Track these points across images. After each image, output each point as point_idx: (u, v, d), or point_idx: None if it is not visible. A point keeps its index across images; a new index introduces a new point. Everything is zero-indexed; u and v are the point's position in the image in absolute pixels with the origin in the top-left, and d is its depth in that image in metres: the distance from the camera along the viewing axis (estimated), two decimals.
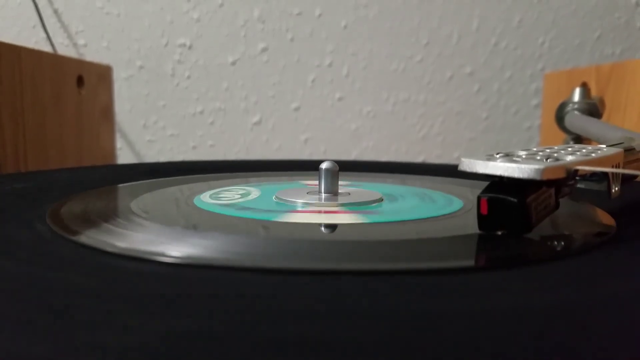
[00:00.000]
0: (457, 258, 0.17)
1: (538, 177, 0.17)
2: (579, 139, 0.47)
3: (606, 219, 0.22)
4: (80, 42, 0.72)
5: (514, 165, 0.17)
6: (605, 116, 0.50)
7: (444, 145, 0.75)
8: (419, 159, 0.75)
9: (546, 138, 0.64)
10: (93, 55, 0.71)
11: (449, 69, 0.73)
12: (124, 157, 0.73)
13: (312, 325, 0.11)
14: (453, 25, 0.73)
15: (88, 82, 0.55)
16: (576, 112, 0.46)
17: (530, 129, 0.75)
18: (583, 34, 0.73)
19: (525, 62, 0.74)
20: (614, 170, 0.19)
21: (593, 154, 0.20)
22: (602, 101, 0.50)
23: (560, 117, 0.48)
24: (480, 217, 0.18)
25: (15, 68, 0.43)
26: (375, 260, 0.17)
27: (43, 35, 0.70)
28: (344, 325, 0.11)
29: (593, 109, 0.47)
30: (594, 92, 0.52)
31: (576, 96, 0.48)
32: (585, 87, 0.49)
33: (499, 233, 0.18)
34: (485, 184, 0.18)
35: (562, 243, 0.19)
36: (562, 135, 0.50)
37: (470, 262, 0.17)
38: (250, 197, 0.27)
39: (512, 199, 0.17)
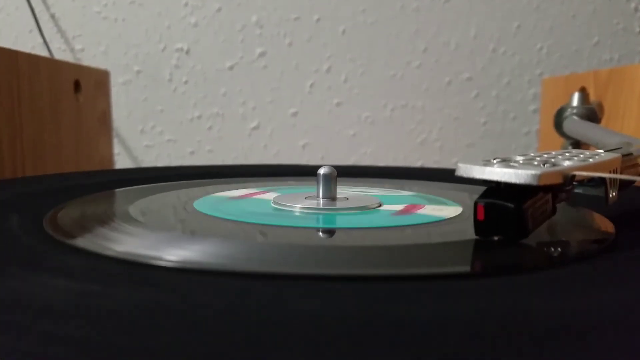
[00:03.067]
0: (453, 264, 0.17)
1: (535, 183, 0.16)
2: (577, 144, 0.47)
3: (606, 224, 0.22)
4: (78, 47, 0.72)
5: (510, 170, 0.17)
6: (603, 121, 0.50)
7: (442, 151, 0.75)
8: (417, 164, 0.75)
9: (544, 143, 0.64)
10: (90, 60, 0.71)
11: (447, 75, 0.73)
12: (121, 162, 0.73)
13: (308, 330, 0.11)
14: (451, 32, 0.73)
15: (85, 87, 0.55)
16: (575, 117, 0.46)
17: (528, 134, 0.75)
18: (581, 40, 0.74)
19: (523, 68, 0.74)
20: (612, 175, 0.19)
21: (590, 160, 0.20)
22: (600, 106, 0.50)
23: (558, 122, 0.48)
24: (477, 223, 0.18)
25: (12, 73, 0.43)
26: (372, 265, 0.16)
27: (40, 40, 0.70)
28: (340, 331, 0.11)
29: (591, 114, 0.47)
30: (592, 98, 0.52)
31: (575, 101, 0.48)
32: (583, 92, 0.49)
33: (496, 239, 0.18)
34: (483, 188, 0.18)
35: (560, 249, 0.19)
36: (561, 141, 0.50)
37: (466, 269, 0.17)
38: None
39: (508, 205, 0.17)
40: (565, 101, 0.49)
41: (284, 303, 0.13)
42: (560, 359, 0.10)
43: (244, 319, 0.12)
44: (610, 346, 0.11)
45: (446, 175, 0.40)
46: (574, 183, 0.19)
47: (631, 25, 0.74)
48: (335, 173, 0.26)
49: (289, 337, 0.11)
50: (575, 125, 0.44)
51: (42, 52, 0.70)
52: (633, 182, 0.23)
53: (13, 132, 0.43)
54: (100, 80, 0.59)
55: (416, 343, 0.11)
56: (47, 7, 0.71)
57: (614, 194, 0.20)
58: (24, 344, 0.10)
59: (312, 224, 0.22)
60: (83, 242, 0.18)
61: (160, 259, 0.16)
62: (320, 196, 0.26)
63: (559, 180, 0.17)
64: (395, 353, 0.10)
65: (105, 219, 0.22)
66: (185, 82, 0.73)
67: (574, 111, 0.47)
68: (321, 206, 0.25)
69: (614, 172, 0.21)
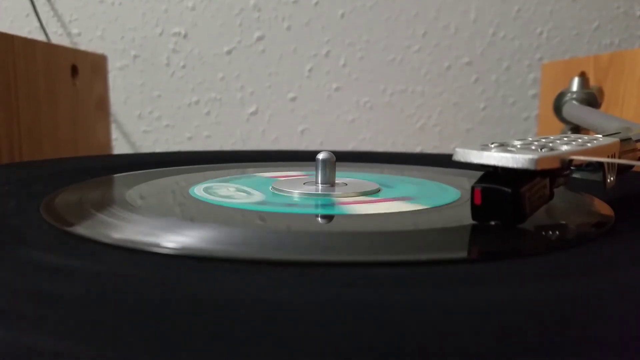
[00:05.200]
0: (450, 249, 0.17)
1: (532, 167, 0.16)
2: (577, 129, 0.47)
3: (605, 209, 0.22)
4: (74, 31, 0.71)
5: (508, 155, 0.17)
6: (603, 106, 0.49)
7: (442, 137, 0.75)
8: (416, 150, 0.75)
9: (544, 128, 0.64)
10: (87, 44, 0.71)
11: (447, 59, 0.73)
12: (119, 148, 0.73)
13: (307, 317, 0.11)
14: (451, 16, 0.72)
15: (82, 72, 0.54)
16: (574, 102, 0.46)
17: (528, 119, 0.75)
18: (581, 24, 0.73)
19: (523, 52, 0.73)
20: (609, 160, 0.19)
21: (589, 144, 0.20)
22: (600, 91, 0.50)
23: (558, 107, 0.48)
24: (474, 207, 0.18)
25: (8, 57, 0.43)
26: (370, 251, 0.16)
27: (36, 24, 0.69)
28: (338, 317, 0.11)
29: (591, 99, 0.47)
30: (592, 82, 0.51)
31: (574, 86, 0.47)
32: (583, 76, 0.49)
33: (493, 223, 0.18)
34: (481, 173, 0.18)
35: (558, 233, 0.19)
36: (560, 126, 0.50)
37: (463, 254, 0.17)
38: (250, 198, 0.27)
39: (505, 189, 0.17)
40: (565, 86, 0.48)
41: (281, 289, 0.13)
42: (559, 344, 0.10)
43: (242, 305, 0.12)
44: (610, 330, 0.11)
45: (445, 161, 0.40)
46: (572, 168, 0.19)
47: (632, 9, 0.73)
48: (334, 158, 0.26)
49: (287, 322, 0.11)
50: (574, 110, 0.44)
51: (39, 37, 0.69)
52: (631, 166, 0.23)
53: (9, 117, 0.43)
54: (97, 64, 0.59)
55: (413, 328, 0.11)
56: None
57: (611, 178, 0.20)
58: (20, 333, 0.10)
59: (311, 209, 0.22)
60: (80, 228, 0.18)
61: (158, 245, 0.16)
62: (319, 182, 0.26)
63: (556, 164, 0.17)
64: (392, 338, 0.10)
65: (102, 205, 0.22)
66: (183, 67, 0.72)
67: (574, 96, 0.47)
68: (320, 192, 0.25)
69: (612, 157, 0.21)
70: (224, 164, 0.38)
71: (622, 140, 0.22)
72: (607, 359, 0.10)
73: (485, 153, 0.17)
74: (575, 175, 0.21)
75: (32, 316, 0.11)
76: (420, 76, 0.73)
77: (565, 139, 0.21)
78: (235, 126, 0.74)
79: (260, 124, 0.74)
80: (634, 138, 0.24)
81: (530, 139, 0.21)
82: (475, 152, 0.18)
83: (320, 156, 0.26)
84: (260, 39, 0.72)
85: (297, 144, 0.74)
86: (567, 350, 0.10)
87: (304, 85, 0.73)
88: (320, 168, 0.26)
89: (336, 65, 0.73)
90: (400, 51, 0.73)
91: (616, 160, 0.20)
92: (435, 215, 0.21)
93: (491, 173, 0.18)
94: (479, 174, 0.18)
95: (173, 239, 0.17)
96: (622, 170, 0.22)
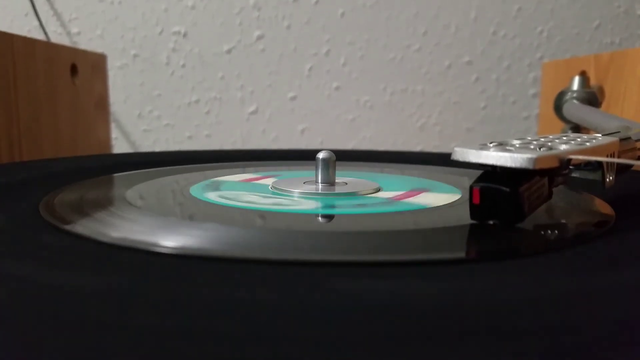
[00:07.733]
0: (449, 249, 0.17)
1: (531, 167, 0.16)
2: (577, 128, 0.47)
3: (605, 208, 0.22)
4: (74, 30, 0.71)
5: (506, 154, 0.17)
6: (604, 105, 0.49)
7: (442, 136, 0.75)
8: (416, 149, 0.75)
9: (544, 128, 0.64)
10: (87, 44, 0.71)
11: (447, 58, 0.73)
12: (119, 147, 0.73)
13: (305, 317, 0.11)
14: (451, 15, 0.72)
15: (82, 71, 0.54)
16: (575, 101, 0.46)
17: (528, 118, 0.75)
18: (582, 23, 0.73)
19: (523, 51, 0.73)
20: (607, 159, 0.19)
21: (587, 143, 0.20)
22: (601, 90, 0.50)
23: (558, 106, 0.48)
24: (473, 207, 0.18)
25: (8, 57, 0.43)
26: (368, 251, 0.16)
27: (36, 23, 0.69)
28: (337, 317, 0.11)
29: (592, 98, 0.47)
30: (593, 81, 0.51)
31: (575, 85, 0.47)
32: (584, 75, 0.48)
33: (492, 223, 0.18)
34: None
35: (557, 233, 0.19)
36: (561, 125, 0.50)
37: (462, 254, 0.17)
38: None
39: (504, 188, 0.17)
40: (566, 85, 0.48)
41: (280, 289, 0.13)
42: (560, 343, 0.10)
43: (241, 305, 0.12)
44: (610, 330, 0.11)
45: (445, 160, 0.40)
46: (571, 167, 0.19)
47: (632, 8, 0.73)
48: (334, 157, 0.26)
49: (284, 323, 0.11)
50: (574, 109, 0.44)
51: (38, 36, 0.69)
52: (631, 166, 0.23)
53: (9, 117, 0.43)
54: (97, 64, 0.59)
55: (411, 330, 0.11)
56: None
57: (610, 178, 0.20)
58: (18, 330, 0.10)
59: (311, 209, 0.22)
60: (79, 227, 0.18)
61: (158, 245, 0.16)
62: (319, 181, 0.26)
63: (555, 164, 0.17)
64: (391, 339, 0.10)
65: (102, 204, 0.22)
66: (183, 66, 0.72)
67: (574, 95, 0.47)
68: (320, 191, 0.25)
69: (611, 156, 0.21)
70: (224, 163, 0.38)
71: (622, 140, 0.22)
72: (607, 359, 0.10)
73: (484, 152, 0.17)
74: (575, 174, 0.21)
75: (30, 315, 0.11)
76: (420, 75, 0.73)
77: (564, 138, 0.21)
78: (236, 125, 0.74)
79: (261, 123, 0.74)
80: (633, 137, 0.24)
81: (529, 138, 0.21)
82: (473, 151, 0.18)
83: (321, 155, 0.26)
84: (260, 38, 0.72)
85: (297, 143, 0.74)
86: (567, 350, 0.10)
87: (304, 84, 0.73)
88: (320, 167, 0.26)
89: (336, 64, 0.73)
90: (401, 50, 0.72)
91: (614, 160, 0.20)
92: (434, 215, 0.21)
93: (490, 172, 0.18)
94: (479, 173, 0.18)
95: (172, 239, 0.17)
96: (621, 169, 0.22)
